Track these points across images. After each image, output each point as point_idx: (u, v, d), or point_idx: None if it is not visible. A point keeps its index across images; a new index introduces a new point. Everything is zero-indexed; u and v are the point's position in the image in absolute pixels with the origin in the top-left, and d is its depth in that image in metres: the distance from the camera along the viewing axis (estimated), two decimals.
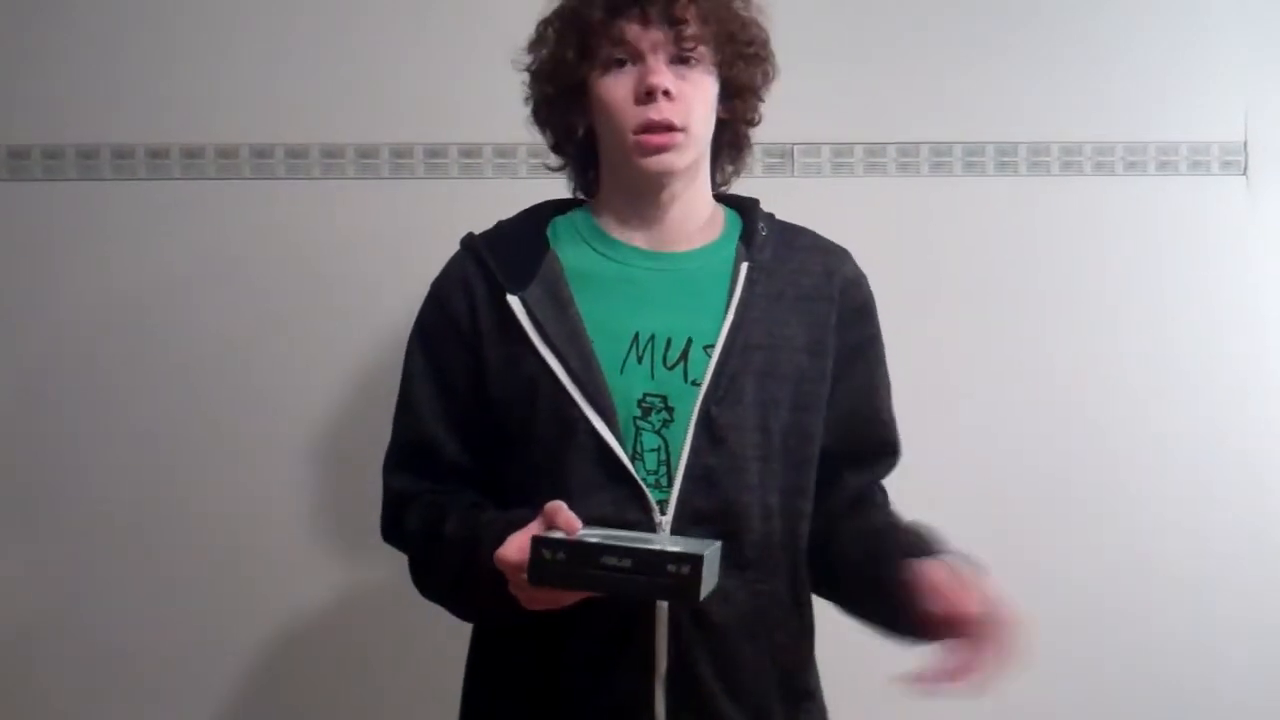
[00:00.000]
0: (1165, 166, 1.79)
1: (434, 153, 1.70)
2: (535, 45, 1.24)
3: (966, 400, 1.75)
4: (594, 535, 1.04)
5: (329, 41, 1.69)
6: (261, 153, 1.70)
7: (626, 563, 0.99)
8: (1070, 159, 1.78)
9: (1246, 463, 1.79)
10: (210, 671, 1.70)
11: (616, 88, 1.17)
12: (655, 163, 1.17)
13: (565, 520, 1.04)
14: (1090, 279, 1.78)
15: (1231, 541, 1.79)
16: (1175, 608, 1.79)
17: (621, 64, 1.17)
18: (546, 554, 1.00)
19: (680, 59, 1.17)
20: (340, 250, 1.69)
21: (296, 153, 1.69)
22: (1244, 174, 1.79)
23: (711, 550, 1.03)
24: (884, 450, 1.28)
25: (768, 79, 1.25)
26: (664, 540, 1.09)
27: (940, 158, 1.76)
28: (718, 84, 1.20)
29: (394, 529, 1.24)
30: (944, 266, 1.76)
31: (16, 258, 1.68)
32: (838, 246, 1.28)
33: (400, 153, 1.70)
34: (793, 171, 1.74)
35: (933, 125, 1.76)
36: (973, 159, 1.77)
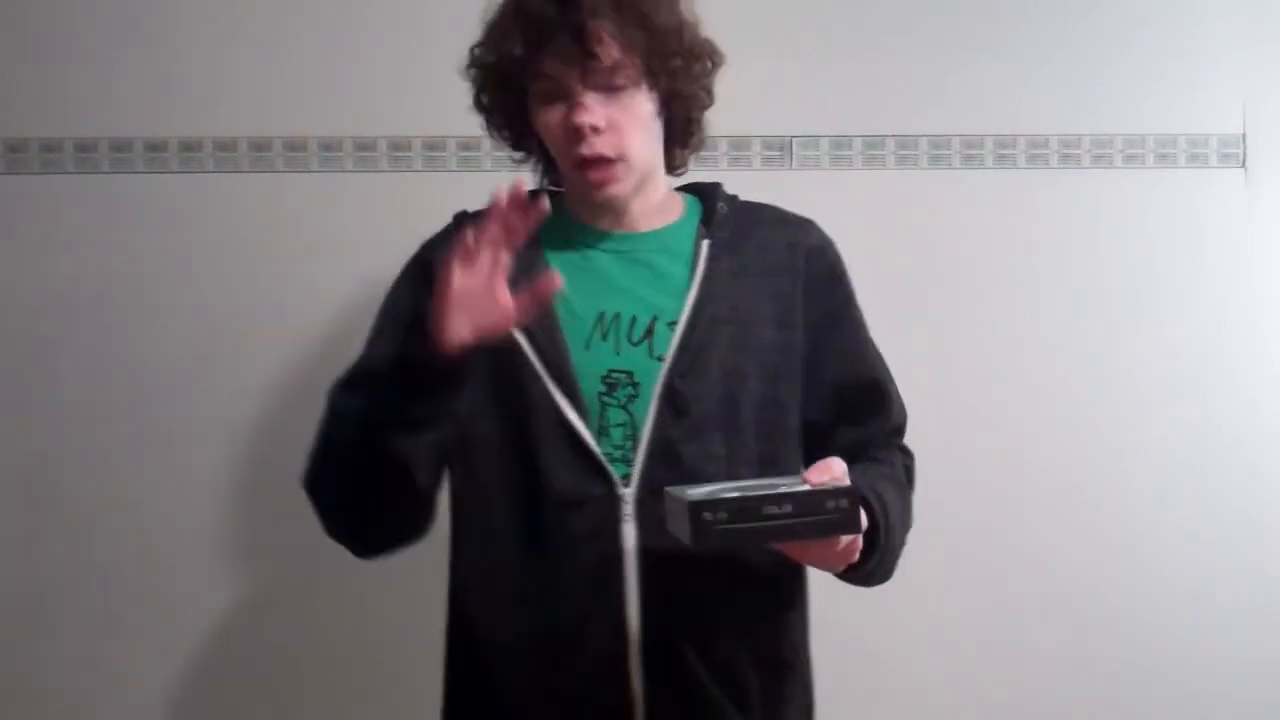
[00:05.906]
0: (1164, 159, 1.79)
1: (432, 145, 1.70)
2: (470, 67, 1.23)
3: (962, 391, 1.76)
4: (731, 489, 1.02)
5: (327, 35, 1.69)
6: (259, 146, 1.69)
7: (788, 508, 0.99)
8: (1069, 151, 1.78)
9: (1243, 453, 1.80)
10: (208, 666, 1.71)
11: (550, 121, 1.17)
12: (601, 194, 1.19)
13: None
14: (1088, 271, 1.78)
15: (1228, 530, 1.80)
16: (1173, 602, 1.80)
17: (554, 97, 1.16)
18: (708, 516, 0.98)
19: (607, 86, 1.15)
20: (338, 243, 1.68)
21: (294, 146, 1.69)
22: (1243, 166, 1.80)
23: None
24: (875, 406, 1.26)
25: (708, 71, 1.23)
26: (788, 482, 1.07)
27: (939, 150, 1.76)
28: (653, 98, 1.19)
29: (318, 451, 1.18)
30: (942, 259, 1.76)
31: (14, 251, 1.68)
32: (801, 218, 1.29)
33: (398, 145, 1.70)
34: (791, 164, 1.74)
35: (931, 118, 1.76)
36: (971, 151, 1.76)
